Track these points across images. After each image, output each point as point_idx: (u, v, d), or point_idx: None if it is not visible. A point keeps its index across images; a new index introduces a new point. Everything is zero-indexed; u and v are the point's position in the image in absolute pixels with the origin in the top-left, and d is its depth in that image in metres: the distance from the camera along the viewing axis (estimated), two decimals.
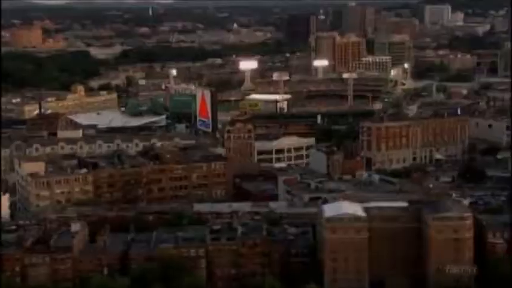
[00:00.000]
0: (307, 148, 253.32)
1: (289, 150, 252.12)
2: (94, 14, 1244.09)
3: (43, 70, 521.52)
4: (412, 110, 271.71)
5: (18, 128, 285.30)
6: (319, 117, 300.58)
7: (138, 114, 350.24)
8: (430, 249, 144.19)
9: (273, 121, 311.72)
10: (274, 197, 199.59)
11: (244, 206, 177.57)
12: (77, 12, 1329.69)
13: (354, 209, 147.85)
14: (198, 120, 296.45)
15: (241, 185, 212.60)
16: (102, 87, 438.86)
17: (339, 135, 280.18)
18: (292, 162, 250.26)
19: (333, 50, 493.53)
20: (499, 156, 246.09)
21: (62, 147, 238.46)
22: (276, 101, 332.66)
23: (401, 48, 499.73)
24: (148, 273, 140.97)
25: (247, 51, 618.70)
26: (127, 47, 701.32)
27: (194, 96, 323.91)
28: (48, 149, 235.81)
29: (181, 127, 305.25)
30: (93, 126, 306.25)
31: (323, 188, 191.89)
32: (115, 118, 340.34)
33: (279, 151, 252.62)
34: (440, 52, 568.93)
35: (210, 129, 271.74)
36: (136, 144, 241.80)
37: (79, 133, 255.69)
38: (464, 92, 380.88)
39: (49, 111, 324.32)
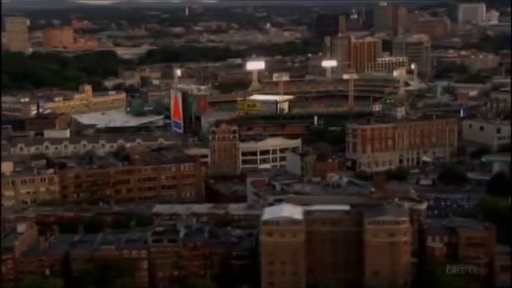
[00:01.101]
0: (293, 149, 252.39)
1: (274, 152, 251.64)
2: (134, 14, 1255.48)
3: (65, 70, 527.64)
4: (401, 111, 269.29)
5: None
6: (315, 118, 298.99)
7: (142, 114, 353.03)
8: (366, 253, 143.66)
9: (271, 122, 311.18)
10: (244, 199, 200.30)
11: (204, 208, 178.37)
12: (119, 12, 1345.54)
13: (293, 212, 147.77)
14: (172, 121, 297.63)
15: (213, 186, 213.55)
16: (116, 87, 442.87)
17: (332, 136, 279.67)
18: (278, 163, 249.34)
19: (348, 50, 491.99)
20: (483, 159, 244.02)
21: (47, 147, 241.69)
22: (276, 102, 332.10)
23: (418, 48, 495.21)
24: (86, 274, 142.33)
25: (272, 51, 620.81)
26: (153, 47, 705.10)
27: (194, 97, 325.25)
28: (32, 149, 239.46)
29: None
30: (93, 126, 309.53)
31: (288, 190, 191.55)
32: (118, 118, 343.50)
33: (264, 152, 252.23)
34: (463, 52, 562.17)
35: (181, 130, 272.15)
36: (139, 144, 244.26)
37: (66, 133, 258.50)
38: (474, 93, 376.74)
39: (48, 111, 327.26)
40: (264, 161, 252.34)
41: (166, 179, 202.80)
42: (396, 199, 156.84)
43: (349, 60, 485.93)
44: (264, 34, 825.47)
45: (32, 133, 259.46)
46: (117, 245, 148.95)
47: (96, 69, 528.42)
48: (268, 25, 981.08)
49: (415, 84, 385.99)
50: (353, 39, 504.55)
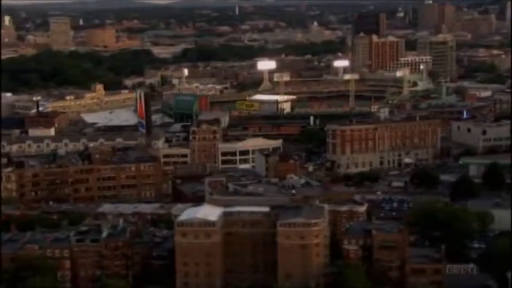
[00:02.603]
0: (274, 150, 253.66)
1: (254, 152, 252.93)
2: (187, 13, 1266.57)
3: (95, 69, 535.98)
4: (384, 112, 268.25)
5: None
6: (311, 119, 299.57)
7: None
8: (278, 255, 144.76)
9: (269, 122, 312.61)
10: (203, 199, 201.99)
11: (149, 208, 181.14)
12: (173, 11, 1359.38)
13: (211, 213, 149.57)
14: (138, 121, 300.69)
15: (178, 187, 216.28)
16: (136, 86, 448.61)
17: (322, 136, 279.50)
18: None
19: (369, 50, 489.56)
20: (460, 162, 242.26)
21: (29, 145, 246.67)
22: (277, 102, 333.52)
23: (443, 47, 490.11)
24: (4, 273, 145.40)
25: (306, 50, 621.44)
26: (189, 46, 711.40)
27: (196, 97, 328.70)
28: (15, 147, 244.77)
29: (177, 126, 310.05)
30: (93, 125, 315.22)
31: (240, 191, 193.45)
32: (124, 117, 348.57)
33: (244, 152, 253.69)
34: (495, 51, 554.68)
35: (144, 130, 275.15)
36: (101, 143, 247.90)
37: (51, 131, 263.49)
38: (488, 94, 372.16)
39: (48, 110, 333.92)
40: (244, 161, 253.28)
41: (126, 178, 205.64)
42: (317, 201, 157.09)
43: (370, 59, 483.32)
44: (305, 33, 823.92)
45: (17, 131, 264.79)
46: (41, 244, 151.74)
47: (125, 68, 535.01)
48: (315, 24, 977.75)
49: (423, 85, 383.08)
50: (374, 39, 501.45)
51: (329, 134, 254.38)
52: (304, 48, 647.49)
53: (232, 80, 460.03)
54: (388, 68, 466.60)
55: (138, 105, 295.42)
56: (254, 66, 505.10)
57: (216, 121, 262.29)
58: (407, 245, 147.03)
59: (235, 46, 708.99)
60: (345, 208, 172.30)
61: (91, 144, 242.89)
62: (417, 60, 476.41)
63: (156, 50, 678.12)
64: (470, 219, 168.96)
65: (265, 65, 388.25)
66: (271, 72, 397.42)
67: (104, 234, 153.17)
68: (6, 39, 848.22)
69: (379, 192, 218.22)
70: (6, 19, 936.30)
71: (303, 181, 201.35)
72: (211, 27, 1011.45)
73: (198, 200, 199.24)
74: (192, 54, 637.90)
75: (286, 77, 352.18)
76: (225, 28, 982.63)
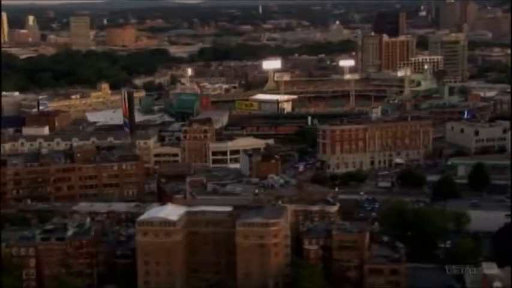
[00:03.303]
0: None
1: (245, 151, 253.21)
2: (211, 12, 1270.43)
3: (108, 68, 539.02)
4: (376, 112, 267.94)
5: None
6: (309, 119, 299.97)
7: (150, 112, 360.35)
8: (237, 255, 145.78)
9: (268, 121, 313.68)
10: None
11: (124, 206, 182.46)
12: (198, 10, 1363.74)
13: (173, 212, 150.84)
14: (123, 120, 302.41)
15: (162, 186, 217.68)
16: (146, 85, 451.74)
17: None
18: None
19: (379, 49, 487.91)
20: (449, 162, 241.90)
21: (22, 144, 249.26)
22: (278, 102, 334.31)
23: (454, 47, 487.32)
24: None
25: (321, 49, 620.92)
26: (206, 45, 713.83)
27: (197, 96, 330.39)
28: (8, 146, 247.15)
29: (176, 126, 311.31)
30: (93, 124, 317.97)
31: (218, 190, 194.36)
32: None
33: (234, 152, 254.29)
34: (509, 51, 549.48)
35: (128, 129, 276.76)
36: (93, 142, 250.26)
37: (45, 130, 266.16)
38: (493, 94, 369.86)
39: (49, 109, 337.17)
40: (235, 160, 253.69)
41: (108, 177, 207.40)
42: (280, 201, 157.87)
43: (380, 59, 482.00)
44: (325, 32, 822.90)
45: (10, 130, 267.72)
46: (7, 243, 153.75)
47: (138, 68, 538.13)
48: (337, 23, 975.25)
49: (426, 85, 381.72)
50: (385, 39, 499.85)
51: (319, 134, 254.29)
52: (320, 48, 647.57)
53: (241, 80, 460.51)
54: (398, 68, 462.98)
55: (123, 104, 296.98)
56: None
57: (208, 121, 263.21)
58: (366, 245, 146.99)
59: (252, 45, 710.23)
60: (316, 208, 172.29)
61: (81, 143, 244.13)
62: (428, 59, 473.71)
63: (173, 50, 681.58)
64: (438, 220, 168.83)
65: (270, 64, 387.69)
66: (277, 71, 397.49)
67: (70, 232, 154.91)
68: (30, 39, 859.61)
69: (362, 193, 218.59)
70: (30, 19, 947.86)
71: (282, 181, 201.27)
72: (233, 26, 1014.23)
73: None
74: (208, 54, 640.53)
75: (286, 77, 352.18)
76: (246, 27, 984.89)
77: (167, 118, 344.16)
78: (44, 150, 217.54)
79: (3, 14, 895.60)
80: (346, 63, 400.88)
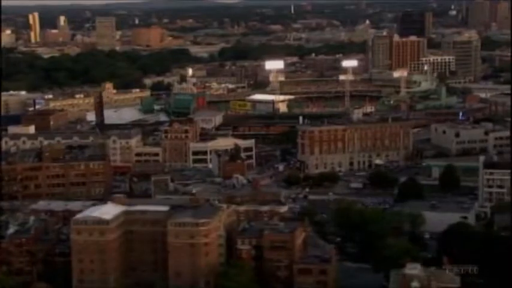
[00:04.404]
0: (245, 150, 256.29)
1: (215, 152, 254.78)
2: (246, 12, 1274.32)
3: (126, 68, 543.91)
4: (358, 113, 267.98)
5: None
6: (300, 119, 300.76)
7: (150, 111, 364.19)
8: (169, 254, 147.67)
9: (260, 121, 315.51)
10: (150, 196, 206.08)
11: (79, 205, 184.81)
12: (233, 11, 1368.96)
13: (109, 211, 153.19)
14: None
15: (132, 185, 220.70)
16: (155, 85, 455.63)
17: None
18: None
19: (389, 49, 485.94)
20: (423, 164, 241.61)
21: (6, 142, 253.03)
22: (273, 102, 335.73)
23: (467, 47, 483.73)
24: None
25: (340, 49, 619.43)
26: (227, 45, 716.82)
27: (193, 96, 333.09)
28: None
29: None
30: (88, 123, 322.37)
31: (179, 190, 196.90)
32: (128, 115, 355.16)
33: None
34: None
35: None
36: (75, 141, 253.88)
37: (31, 129, 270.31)
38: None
39: (44, 107, 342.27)
40: None
41: (75, 176, 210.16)
42: (217, 201, 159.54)
43: (390, 59, 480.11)
44: (351, 32, 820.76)
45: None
46: None
47: (154, 67, 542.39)
48: (367, 22, 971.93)
49: (426, 85, 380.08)
50: (395, 39, 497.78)
51: (299, 134, 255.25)
52: (341, 48, 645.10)
53: (250, 80, 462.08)
54: (408, 68, 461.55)
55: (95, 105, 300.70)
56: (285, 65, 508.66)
57: (189, 121, 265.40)
58: (297, 245, 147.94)
59: (274, 45, 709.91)
60: (266, 208, 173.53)
61: (64, 141, 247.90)
62: (439, 60, 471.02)
63: (194, 49, 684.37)
64: (383, 221, 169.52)
65: (273, 65, 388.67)
66: (279, 71, 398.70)
67: (11, 230, 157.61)
68: (60, 39, 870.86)
69: (331, 193, 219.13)
70: (61, 19, 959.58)
71: (245, 181, 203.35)
72: (263, 26, 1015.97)
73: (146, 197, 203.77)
74: (228, 53, 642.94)
75: (281, 77, 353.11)
76: (276, 27, 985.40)
77: (165, 118, 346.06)
78: (13, 149, 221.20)
79: (34, 14, 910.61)
80: (349, 63, 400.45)
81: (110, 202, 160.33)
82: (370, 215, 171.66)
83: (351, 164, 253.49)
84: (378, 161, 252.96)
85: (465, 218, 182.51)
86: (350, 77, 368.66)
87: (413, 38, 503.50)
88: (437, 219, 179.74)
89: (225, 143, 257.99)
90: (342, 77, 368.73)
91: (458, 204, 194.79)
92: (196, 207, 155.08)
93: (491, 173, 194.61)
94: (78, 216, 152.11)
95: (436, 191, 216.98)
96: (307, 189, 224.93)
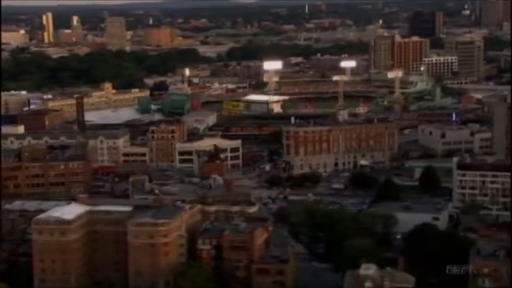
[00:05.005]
0: (232, 150, 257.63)
1: (197, 152, 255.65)
2: (260, 12, 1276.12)
3: (132, 68, 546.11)
4: (343, 114, 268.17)
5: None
6: (292, 119, 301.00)
7: (147, 111, 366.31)
8: (129, 254, 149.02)
9: (253, 122, 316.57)
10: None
11: (53, 205, 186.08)
12: (251, 9, 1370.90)
13: (71, 211, 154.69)
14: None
15: (113, 185, 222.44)
16: (157, 85, 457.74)
17: None
18: None
19: (391, 50, 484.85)
20: (406, 165, 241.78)
21: None
22: (267, 103, 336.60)
23: (470, 47, 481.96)
24: None
25: (345, 49, 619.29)
26: (236, 45, 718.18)
27: (187, 96, 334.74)
28: None
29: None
30: (83, 123, 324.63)
31: (154, 190, 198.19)
32: (124, 115, 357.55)
33: None
34: None
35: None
36: (63, 141, 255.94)
37: (21, 129, 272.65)
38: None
39: (40, 107, 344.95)
40: None
41: (55, 176, 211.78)
42: (179, 202, 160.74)
43: (392, 60, 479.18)
44: (360, 32, 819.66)
45: None
46: None
47: (159, 67, 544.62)
48: (380, 22, 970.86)
49: (421, 86, 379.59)
50: (397, 39, 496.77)
51: (284, 135, 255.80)
52: (349, 48, 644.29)
53: (252, 80, 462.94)
54: (410, 68, 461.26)
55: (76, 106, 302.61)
56: (289, 65, 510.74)
57: (177, 121, 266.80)
58: (257, 245, 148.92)
59: (283, 45, 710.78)
60: (236, 209, 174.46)
61: (52, 141, 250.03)
62: (442, 60, 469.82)
63: (203, 49, 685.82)
64: (347, 221, 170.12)
65: (271, 65, 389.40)
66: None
67: None
68: (74, 39, 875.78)
69: (310, 194, 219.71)
70: (75, 19, 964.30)
71: (221, 182, 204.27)
72: (276, 26, 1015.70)
73: (124, 197, 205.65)
74: (236, 53, 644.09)
75: (275, 78, 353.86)
76: (289, 27, 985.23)
77: (161, 118, 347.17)
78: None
79: (48, 14, 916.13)
80: (348, 64, 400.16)
81: (74, 202, 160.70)
82: (337, 216, 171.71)
83: (336, 164, 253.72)
84: (363, 162, 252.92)
85: (437, 219, 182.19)
86: (345, 77, 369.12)
87: (415, 38, 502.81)
88: (409, 220, 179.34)
89: (211, 143, 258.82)
90: (335, 78, 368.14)
91: (433, 205, 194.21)
92: (159, 208, 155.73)
93: (463, 174, 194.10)
94: (40, 216, 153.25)
95: (416, 191, 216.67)
96: (287, 190, 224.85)
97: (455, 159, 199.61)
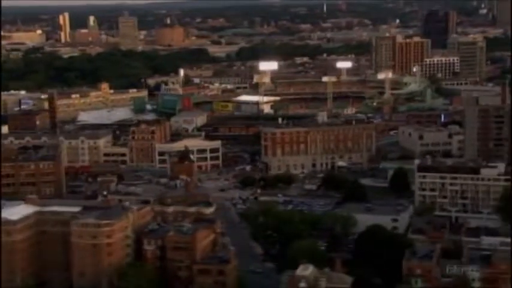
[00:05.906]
0: (212, 151, 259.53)
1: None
2: (281, 11, 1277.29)
3: (138, 68, 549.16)
4: (322, 116, 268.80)
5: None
6: (279, 120, 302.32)
7: (141, 111, 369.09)
8: (72, 254, 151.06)
9: (243, 122, 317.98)
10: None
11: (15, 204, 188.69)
12: (269, 9, 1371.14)
13: (19, 212, 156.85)
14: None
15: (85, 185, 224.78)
16: (158, 85, 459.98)
17: None
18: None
19: (392, 50, 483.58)
20: (380, 166, 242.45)
21: None
22: (258, 103, 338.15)
23: (471, 48, 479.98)
24: None
25: (353, 49, 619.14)
26: (246, 45, 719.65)
27: (180, 96, 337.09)
28: None
29: None
30: (77, 123, 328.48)
31: (120, 191, 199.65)
32: (119, 115, 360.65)
33: None
34: None
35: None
36: (44, 141, 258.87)
37: (5, 129, 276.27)
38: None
39: (32, 108, 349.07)
40: None
41: (25, 176, 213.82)
42: (128, 202, 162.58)
43: (393, 60, 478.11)
44: (374, 31, 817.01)
45: None
46: None
47: (166, 67, 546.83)
48: (397, 21, 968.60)
49: (413, 87, 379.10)
50: (398, 39, 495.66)
51: (262, 136, 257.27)
52: (358, 48, 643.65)
53: (250, 81, 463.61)
54: (412, 69, 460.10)
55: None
56: (294, 65, 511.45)
57: (156, 122, 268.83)
58: (200, 246, 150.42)
59: (293, 45, 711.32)
60: (192, 209, 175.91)
61: (34, 141, 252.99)
62: (443, 61, 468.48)
63: (213, 49, 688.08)
64: (297, 222, 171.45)
65: (267, 65, 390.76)
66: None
67: None
68: (90, 39, 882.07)
69: (280, 195, 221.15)
70: (91, 19, 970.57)
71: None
72: (292, 25, 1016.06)
73: (94, 197, 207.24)
74: (245, 53, 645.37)
75: (266, 78, 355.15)
76: (306, 26, 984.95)
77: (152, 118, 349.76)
78: None
79: (64, 14, 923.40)
80: (343, 64, 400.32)
81: (23, 202, 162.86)
82: (286, 217, 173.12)
83: (314, 165, 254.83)
84: (340, 163, 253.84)
85: (396, 220, 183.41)
86: (333, 78, 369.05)
87: (416, 38, 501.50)
88: (369, 222, 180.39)
89: (192, 143, 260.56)
90: (324, 79, 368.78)
91: (395, 206, 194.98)
92: (107, 209, 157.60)
93: (424, 176, 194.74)
94: None
95: (387, 193, 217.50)
96: (259, 191, 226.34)
97: (416, 162, 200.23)
